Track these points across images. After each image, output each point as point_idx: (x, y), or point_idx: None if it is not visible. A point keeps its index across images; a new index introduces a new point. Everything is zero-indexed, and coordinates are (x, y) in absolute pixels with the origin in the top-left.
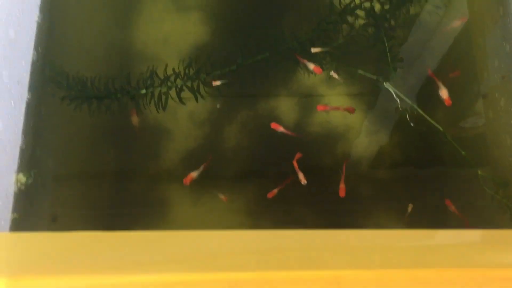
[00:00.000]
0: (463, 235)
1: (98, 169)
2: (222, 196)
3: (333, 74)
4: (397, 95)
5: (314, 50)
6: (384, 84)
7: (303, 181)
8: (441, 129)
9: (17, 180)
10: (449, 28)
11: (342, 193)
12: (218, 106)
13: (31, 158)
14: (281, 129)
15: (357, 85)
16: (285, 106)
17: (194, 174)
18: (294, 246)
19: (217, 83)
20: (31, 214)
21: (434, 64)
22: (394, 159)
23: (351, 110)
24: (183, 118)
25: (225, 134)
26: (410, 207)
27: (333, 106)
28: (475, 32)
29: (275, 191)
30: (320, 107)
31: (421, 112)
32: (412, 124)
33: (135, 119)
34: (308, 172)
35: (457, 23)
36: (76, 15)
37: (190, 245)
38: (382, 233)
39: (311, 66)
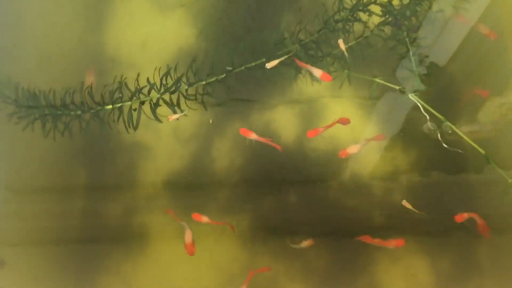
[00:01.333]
0: None
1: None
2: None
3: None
4: (425, 110)
5: (269, 65)
6: (410, 96)
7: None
8: (483, 152)
9: None
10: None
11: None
12: (211, 121)
13: None
14: (253, 135)
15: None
16: (284, 119)
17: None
18: None
19: (173, 117)
20: None
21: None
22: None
23: (345, 122)
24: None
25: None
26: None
27: (324, 126)
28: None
29: None
30: (310, 133)
31: (460, 133)
32: (445, 146)
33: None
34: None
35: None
36: (31, 14)
37: None
38: None
39: (318, 72)
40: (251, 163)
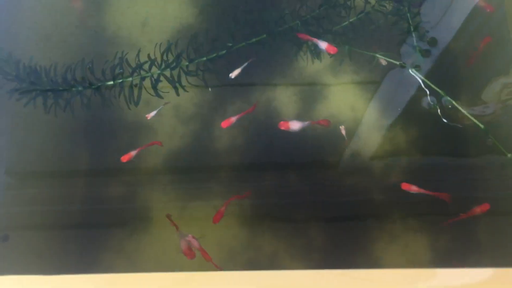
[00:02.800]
0: None
1: (61, 173)
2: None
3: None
4: (426, 85)
5: (233, 74)
6: (410, 70)
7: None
8: (482, 127)
9: None
10: (484, 5)
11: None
12: (209, 89)
13: None
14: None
15: (370, 72)
16: (285, 98)
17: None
18: None
19: (151, 114)
20: None
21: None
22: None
23: (325, 124)
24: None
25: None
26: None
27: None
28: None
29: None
30: (224, 123)
31: (459, 107)
32: (445, 121)
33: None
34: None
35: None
36: None
37: None
38: None
39: (324, 45)
40: (251, 144)
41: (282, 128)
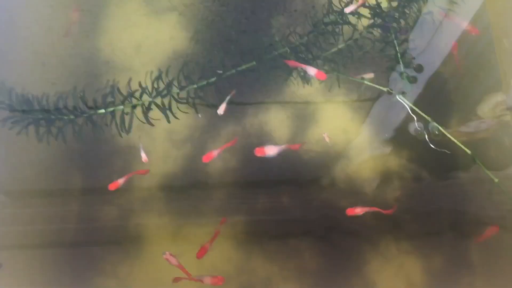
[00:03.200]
0: None
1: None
2: None
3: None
4: (413, 111)
5: (220, 110)
6: (397, 97)
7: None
8: (469, 152)
9: None
10: (469, 29)
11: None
12: (199, 116)
13: None
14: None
15: (358, 96)
16: (277, 121)
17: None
18: None
19: (144, 156)
20: None
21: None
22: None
23: (294, 147)
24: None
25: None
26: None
27: (219, 147)
28: (498, 34)
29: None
30: (205, 158)
31: (446, 133)
32: (433, 146)
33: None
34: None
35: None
36: (26, 19)
37: None
38: None
39: (313, 71)
40: (244, 165)
41: (259, 155)
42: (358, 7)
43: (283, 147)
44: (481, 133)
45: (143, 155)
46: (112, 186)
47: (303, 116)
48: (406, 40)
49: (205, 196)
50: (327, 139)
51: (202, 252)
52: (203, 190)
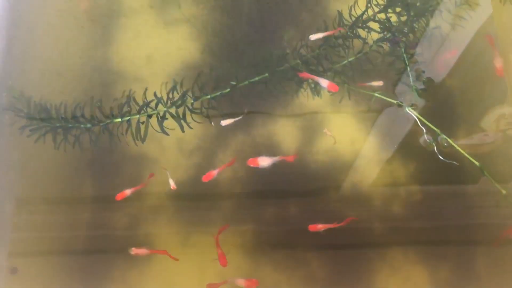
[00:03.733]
0: None
1: (67, 209)
2: None
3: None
4: (422, 123)
5: (224, 122)
6: (407, 109)
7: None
8: (477, 164)
9: None
10: (476, 43)
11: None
12: (212, 124)
13: None
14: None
15: (366, 107)
16: (286, 132)
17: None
18: None
19: (172, 183)
20: None
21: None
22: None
23: (289, 159)
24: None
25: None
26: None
27: (220, 167)
28: (505, 47)
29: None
30: (205, 178)
31: (455, 145)
32: (442, 158)
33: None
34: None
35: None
36: (43, 31)
37: None
38: None
39: (325, 83)
40: (253, 174)
41: (252, 165)
42: (326, 35)
43: (276, 158)
44: (486, 146)
45: (172, 183)
46: (119, 197)
47: (311, 127)
48: (414, 54)
49: (213, 205)
50: (328, 133)
51: (223, 259)
52: (211, 199)
